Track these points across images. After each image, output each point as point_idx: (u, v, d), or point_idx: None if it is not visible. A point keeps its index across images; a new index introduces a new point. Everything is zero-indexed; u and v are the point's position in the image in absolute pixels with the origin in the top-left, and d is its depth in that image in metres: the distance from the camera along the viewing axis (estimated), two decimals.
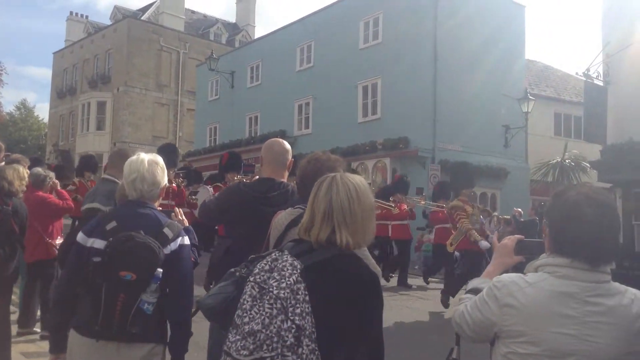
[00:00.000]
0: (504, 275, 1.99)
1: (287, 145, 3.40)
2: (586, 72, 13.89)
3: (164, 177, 2.75)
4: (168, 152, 10.14)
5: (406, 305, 9.35)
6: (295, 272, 1.75)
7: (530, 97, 19.21)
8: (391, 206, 11.64)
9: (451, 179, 11.09)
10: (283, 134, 22.90)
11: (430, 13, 18.64)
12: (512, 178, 19.39)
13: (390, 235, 11.89)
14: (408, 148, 18.19)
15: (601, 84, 14.11)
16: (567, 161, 20.61)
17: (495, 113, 19.36)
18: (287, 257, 1.81)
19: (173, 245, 2.55)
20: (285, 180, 3.27)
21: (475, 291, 2.05)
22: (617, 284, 1.87)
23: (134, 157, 2.73)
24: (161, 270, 2.43)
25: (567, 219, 1.88)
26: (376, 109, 20.03)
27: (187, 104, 35.76)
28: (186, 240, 2.65)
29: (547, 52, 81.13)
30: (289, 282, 1.72)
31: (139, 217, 2.59)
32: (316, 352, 1.69)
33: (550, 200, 2.00)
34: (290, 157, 3.37)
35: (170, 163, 9.74)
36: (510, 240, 2.19)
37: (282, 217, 2.66)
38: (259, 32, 50.34)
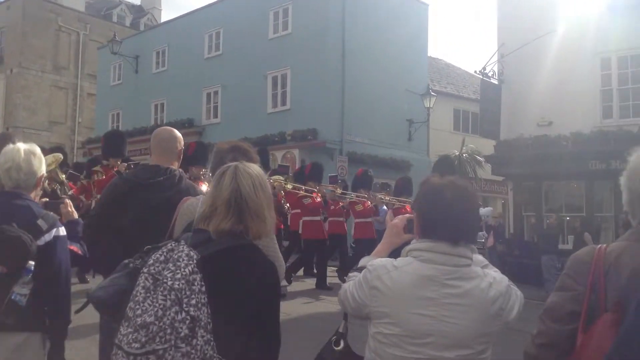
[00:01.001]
0: (377, 259, 2.07)
1: (176, 133, 3.35)
2: (482, 70, 14.68)
3: (40, 167, 2.74)
4: (114, 138, 9.25)
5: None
6: (191, 262, 1.73)
7: (432, 93, 20.04)
8: (364, 196, 10.81)
9: (434, 170, 10.38)
10: (191, 123, 22.43)
11: (338, 6, 18.93)
12: (414, 170, 20.13)
13: (353, 234, 10.99)
14: (316, 139, 18.42)
15: (496, 82, 14.97)
16: (464, 155, 21.76)
17: (400, 107, 20.07)
18: (183, 248, 1.78)
19: (47, 237, 2.56)
20: (173, 167, 3.22)
21: (362, 270, 2.10)
22: (477, 269, 1.98)
23: (9, 146, 2.70)
24: (33, 262, 2.45)
25: (429, 203, 2.00)
26: (286, 99, 20.07)
27: (87, 88, 33.94)
28: (62, 232, 2.65)
29: (448, 51, 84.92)
30: (184, 273, 1.69)
31: (13, 208, 2.57)
32: (211, 343, 1.68)
33: (419, 188, 2.12)
34: (179, 145, 3.31)
35: (116, 152, 8.97)
36: (400, 219, 2.27)
37: (192, 204, 2.61)
38: (166, 15, 48.80)
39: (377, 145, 19.16)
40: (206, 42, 23.08)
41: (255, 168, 2.02)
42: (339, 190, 11.26)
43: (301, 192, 10.21)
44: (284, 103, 20.17)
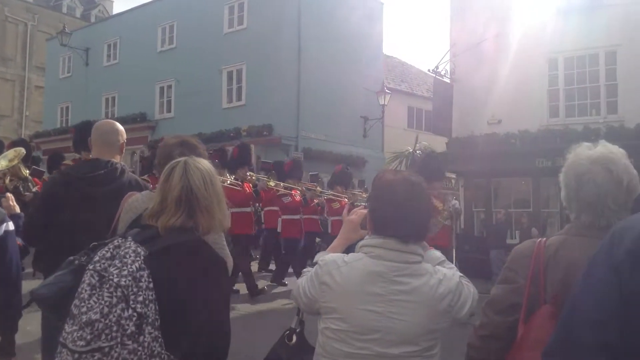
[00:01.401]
0: (329, 255, 2.07)
1: (118, 126, 3.29)
2: (435, 69, 14.89)
3: None
4: (87, 130, 8.76)
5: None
6: (138, 259, 1.70)
7: (387, 90, 20.25)
8: (339, 196, 10.35)
9: (419, 169, 9.71)
10: (143, 117, 22.00)
11: (294, 3, 18.94)
12: (369, 167, 20.35)
13: (330, 231, 10.40)
14: (272, 135, 18.36)
15: (448, 81, 15.21)
16: (417, 152, 22.05)
17: (355, 104, 20.20)
18: (130, 244, 1.75)
19: None
20: (115, 160, 3.16)
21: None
22: (427, 266, 1.98)
23: None
24: None
25: (381, 199, 2.00)
26: (241, 95, 19.92)
27: (35, 81, 32.83)
28: (11, 226, 2.62)
29: (403, 49, 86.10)
30: (131, 270, 1.67)
31: None
32: (159, 340, 1.67)
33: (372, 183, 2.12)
34: (121, 138, 3.25)
35: (89, 145, 8.54)
36: (356, 215, 2.26)
37: (138, 200, 2.55)
38: (118, 7, 47.58)
39: (333, 142, 19.27)
40: (159, 35, 22.66)
41: (204, 163, 2.00)
42: (318, 189, 11.04)
43: (280, 189, 9.99)
44: (239, 98, 20.01)
